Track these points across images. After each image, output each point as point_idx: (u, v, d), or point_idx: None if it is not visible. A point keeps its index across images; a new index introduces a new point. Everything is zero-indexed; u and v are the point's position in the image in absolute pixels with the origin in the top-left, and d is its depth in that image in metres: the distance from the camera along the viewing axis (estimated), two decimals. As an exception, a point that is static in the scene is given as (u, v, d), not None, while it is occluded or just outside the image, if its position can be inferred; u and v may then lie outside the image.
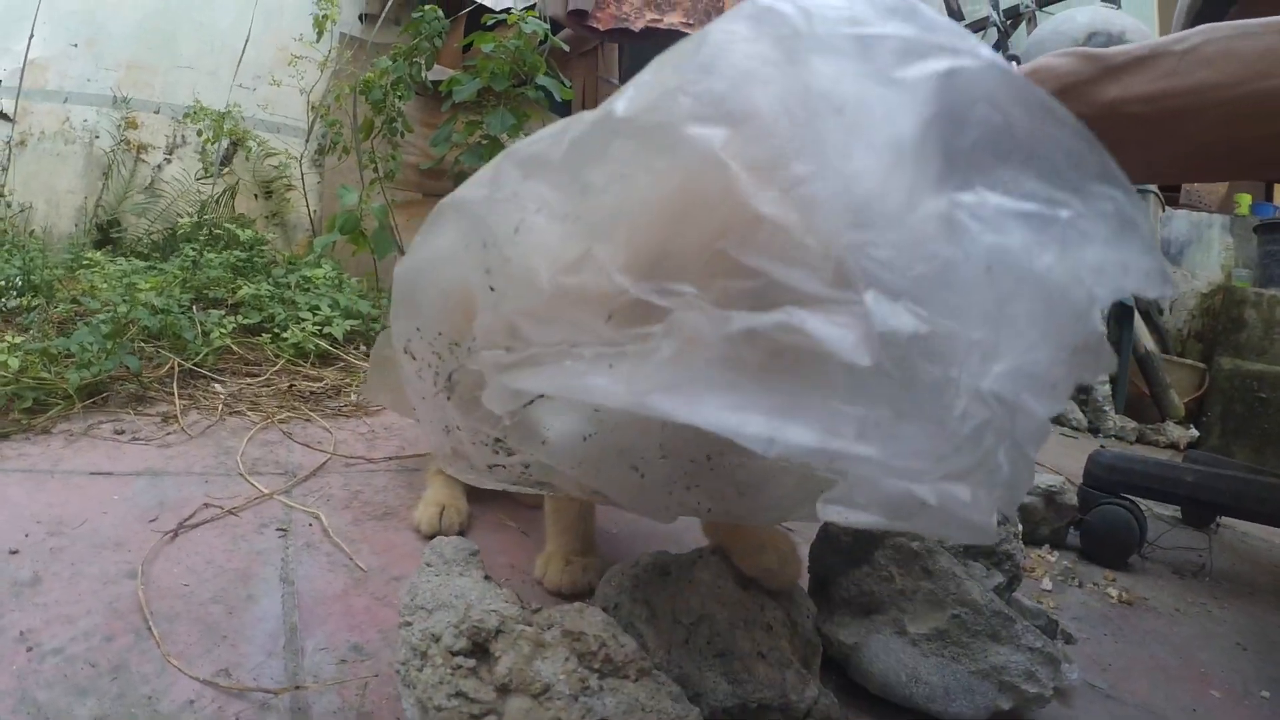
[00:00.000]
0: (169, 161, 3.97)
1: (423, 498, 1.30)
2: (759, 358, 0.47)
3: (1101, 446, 2.89)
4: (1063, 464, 2.26)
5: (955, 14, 4.37)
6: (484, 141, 3.10)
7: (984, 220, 0.48)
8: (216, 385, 1.92)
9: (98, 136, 3.87)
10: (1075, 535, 1.75)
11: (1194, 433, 3.44)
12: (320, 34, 3.50)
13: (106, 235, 3.71)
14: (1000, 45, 4.27)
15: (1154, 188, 4.32)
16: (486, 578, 0.75)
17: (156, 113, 3.96)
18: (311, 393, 1.97)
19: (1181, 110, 0.88)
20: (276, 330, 2.27)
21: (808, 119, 0.48)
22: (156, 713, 0.75)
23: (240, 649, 0.87)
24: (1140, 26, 3.74)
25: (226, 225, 3.41)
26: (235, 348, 2.15)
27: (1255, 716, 1.11)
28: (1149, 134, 0.90)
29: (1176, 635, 1.35)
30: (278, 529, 1.19)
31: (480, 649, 0.67)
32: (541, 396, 0.61)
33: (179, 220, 3.63)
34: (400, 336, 0.80)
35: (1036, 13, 4.06)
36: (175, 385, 1.83)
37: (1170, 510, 2.14)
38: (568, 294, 0.54)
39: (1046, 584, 1.48)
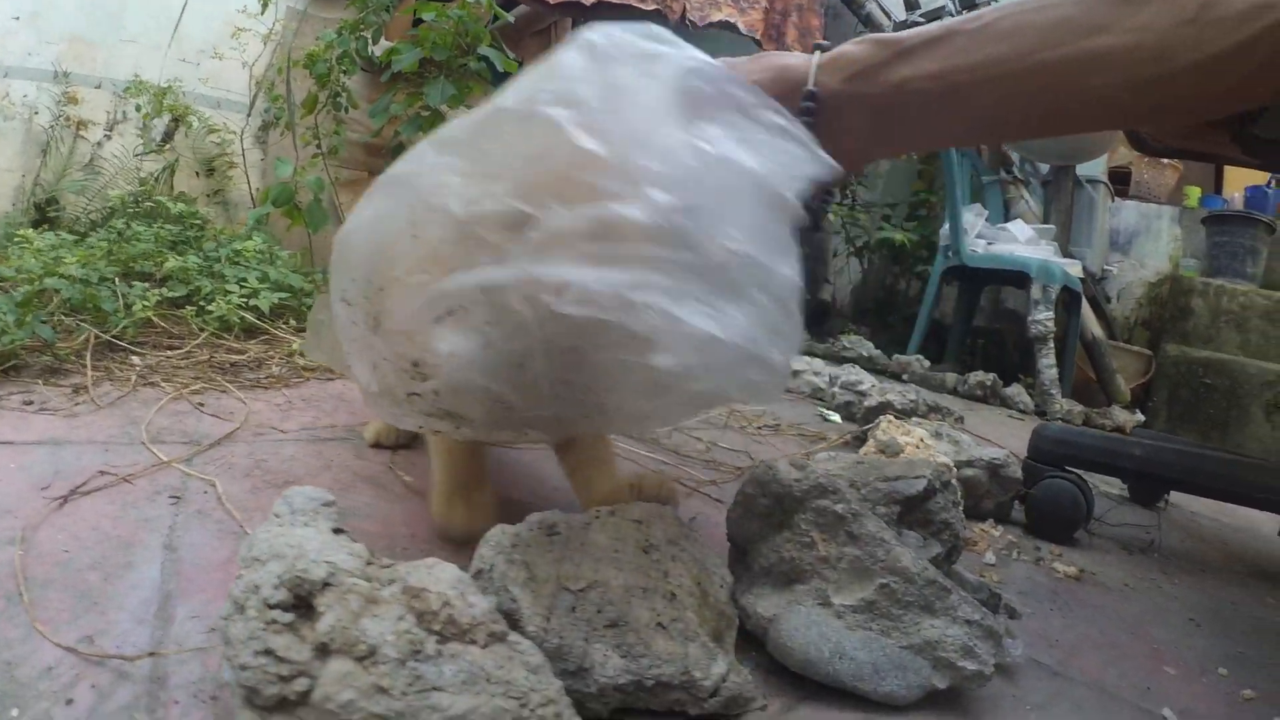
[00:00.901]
0: (109, 138, 3.86)
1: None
2: (595, 236, 0.74)
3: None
4: (1008, 441, 2.25)
5: (911, 3, 4.38)
6: (424, 113, 3.05)
7: (712, 143, 0.81)
8: (134, 358, 1.86)
9: (37, 112, 3.74)
10: (1020, 510, 1.73)
11: (1140, 417, 3.51)
12: (265, 6, 3.42)
13: (44, 214, 3.59)
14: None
15: (1104, 178, 4.39)
16: (337, 530, 0.72)
17: (98, 88, 3.84)
18: (232, 365, 1.92)
19: (970, 84, 0.91)
20: (202, 303, 2.21)
21: (609, 97, 0.79)
22: (12, 679, 0.72)
23: (109, 615, 0.84)
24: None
25: (158, 199, 3.32)
26: (158, 320, 2.09)
27: (1212, 694, 1.09)
28: (937, 108, 0.93)
29: (1127, 611, 1.33)
30: (170, 496, 1.14)
31: (303, 603, 0.62)
32: (448, 314, 0.81)
33: (111, 194, 3.53)
34: (337, 289, 0.96)
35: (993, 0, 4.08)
36: (89, 357, 1.77)
37: (1118, 489, 2.15)
38: (473, 218, 0.78)
39: (990, 558, 1.44)
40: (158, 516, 1.08)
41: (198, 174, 3.97)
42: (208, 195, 3.94)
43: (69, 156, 3.75)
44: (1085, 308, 3.80)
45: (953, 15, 4.27)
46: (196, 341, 2.03)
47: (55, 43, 3.78)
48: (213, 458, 1.32)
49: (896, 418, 1.89)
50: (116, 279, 2.18)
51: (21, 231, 2.81)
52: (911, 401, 2.11)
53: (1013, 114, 0.92)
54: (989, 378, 3.33)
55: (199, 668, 0.77)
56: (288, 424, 1.55)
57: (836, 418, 2.26)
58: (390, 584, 0.65)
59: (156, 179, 3.73)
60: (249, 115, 4.01)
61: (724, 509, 1.13)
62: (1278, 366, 3.62)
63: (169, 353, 1.94)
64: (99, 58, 3.83)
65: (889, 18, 4.48)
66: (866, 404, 2.12)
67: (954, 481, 1.13)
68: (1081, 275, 3.67)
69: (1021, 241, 3.65)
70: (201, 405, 1.60)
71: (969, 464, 1.68)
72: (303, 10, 4.02)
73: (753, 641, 0.95)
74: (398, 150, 3.40)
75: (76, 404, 1.56)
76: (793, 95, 0.91)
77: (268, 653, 0.59)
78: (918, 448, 1.67)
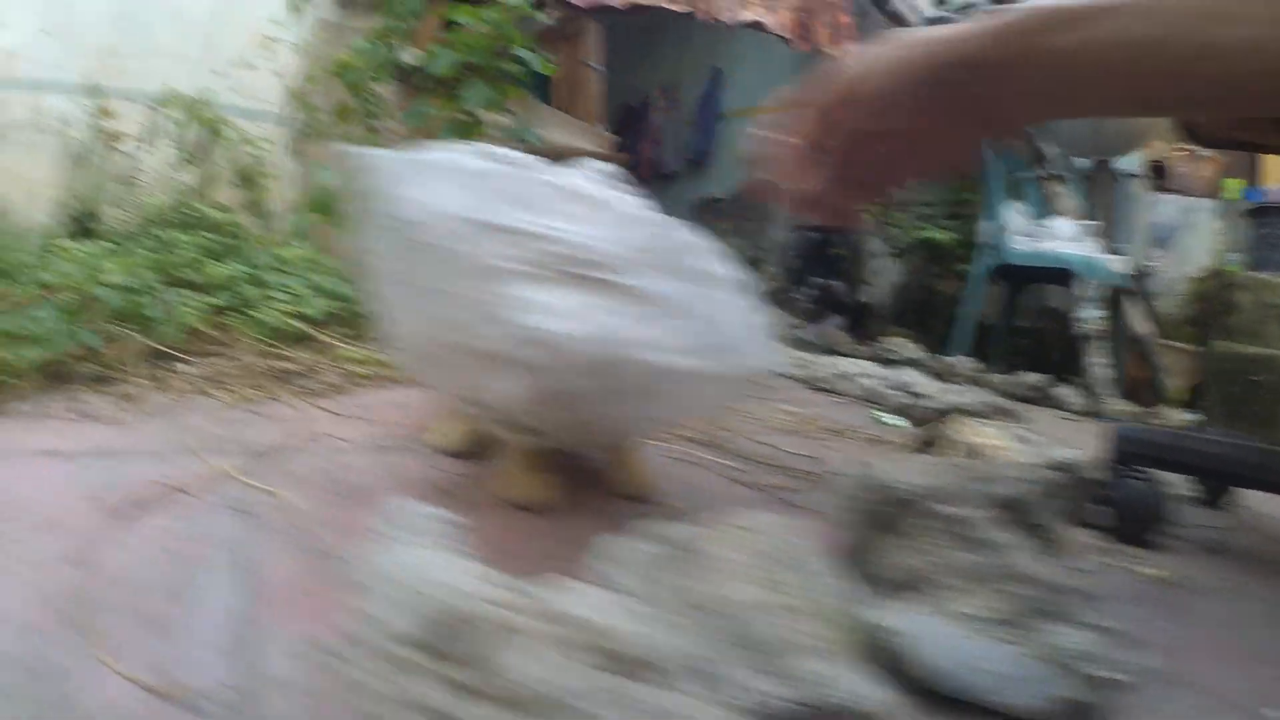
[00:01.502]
0: (145, 151, 3.80)
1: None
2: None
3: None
4: (1070, 443, 2.15)
5: None
6: (462, 116, 2.96)
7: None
8: (183, 365, 1.78)
9: (71, 126, 3.69)
10: (1097, 512, 1.62)
11: (1191, 416, 3.37)
12: (295, 13, 3.34)
13: (82, 226, 3.53)
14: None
15: (1142, 172, 4.25)
16: (461, 553, 0.62)
17: (131, 101, 3.78)
18: (284, 372, 1.83)
19: (1137, 58, 0.81)
20: (248, 311, 2.12)
21: None
22: (73, 714, 0.63)
23: (179, 644, 0.74)
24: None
25: (198, 206, 3.24)
26: (205, 328, 2.00)
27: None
28: (1100, 77, 0.82)
29: (1222, 614, 1.23)
30: (234, 510, 1.05)
31: (443, 638, 0.52)
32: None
33: (147, 203, 3.46)
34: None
35: (1024, -8, 3.95)
36: (137, 365, 1.68)
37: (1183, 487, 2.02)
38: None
39: (1076, 562, 1.34)
40: (223, 532, 0.99)
41: (234, 185, 3.89)
42: (245, 206, 3.86)
43: (104, 169, 3.68)
44: (1132, 305, 3.67)
45: (985, 10, 4.14)
46: (246, 349, 1.94)
47: (85, 56, 3.72)
48: (274, 467, 1.23)
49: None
50: (161, 287, 2.09)
51: (59, 242, 2.74)
52: (980, 403, 2.00)
53: (1172, 91, 0.85)
54: (1040, 379, 3.21)
55: (285, 705, 0.67)
56: (348, 432, 1.45)
57: (893, 420, 2.15)
58: (542, 614, 0.54)
59: (194, 191, 3.66)
60: (283, 125, 3.93)
61: (805, 513, 1.14)
62: None
63: (218, 360, 1.85)
64: (130, 70, 3.77)
65: (917, 13, 4.38)
66: (932, 406, 2.01)
67: (1048, 483, 1.04)
68: (1128, 271, 3.55)
69: (1065, 238, 3.52)
70: (256, 413, 1.51)
71: (1045, 465, 1.58)
72: (334, 23, 3.96)
73: (875, 654, 0.85)
74: None
75: (124, 412, 1.47)
76: (944, 66, 0.85)
77: (406, 699, 0.48)
78: (995, 449, 1.57)
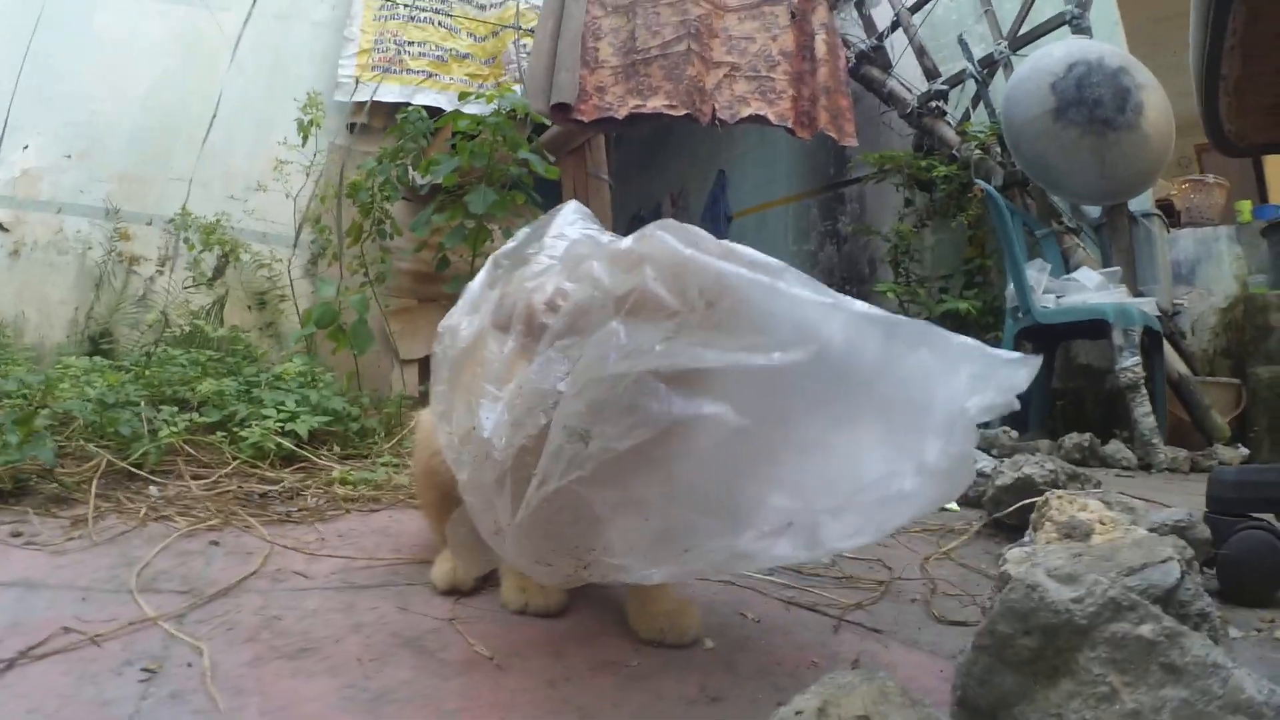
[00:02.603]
0: (161, 273, 3.71)
1: (438, 557, 1.17)
2: None
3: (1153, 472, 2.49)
4: (1160, 502, 1.82)
5: (931, 72, 4.16)
6: (467, 223, 2.82)
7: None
8: (152, 488, 1.57)
9: (90, 247, 3.62)
10: (1208, 574, 1.34)
11: (1244, 451, 3.06)
12: (305, 138, 3.26)
13: (97, 346, 3.41)
14: (980, 95, 4.04)
15: (1157, 211, 4.05)
16: None
17: (149, 224, 3.71)
18: (262, 495, 1.61)
19: None
20: (235, 429, 1.92)
21: None
22: None
23: None
24: (1116, 51, 3.51)
25: (196, 322, 3.10)
26: (187, 447, 1.80)
27: None
28: None
29: None
30: (143, 669, 0.81)
31: None
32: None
33: (154, 322, 3.34)
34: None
35: (1011, 57, 3.84)
36: (95, 485, 1.48)
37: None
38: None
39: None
40: (120, 697, 0.75)
41: (249, 308, 3.77)
42: (260, 328, 3.74)
43: (122, 291, 3.59)
44: (1167, 347, 3.41)
45: (976, 79, 4.08)
46: (226, 470, 1.73)
47: (106, 180, 3.68)
48: (214, 612, 0.99)
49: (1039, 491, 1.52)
50: (143, 403, 1.91)
51: (64, 358, 2.59)
52: (1050, 472, 1.70)
53: None
54: (1085, 438, 2.90)
55: None
56: (316, 567, 1.21)
57: (951, 505, 1.88)
58: None
59: (208, 312, 3.54)
60: (294, 247, 3.83)
61: (888, 641, 0.94)
62: None
63: (194, 482, 1.64)
64: (149, 195, 3.72)
65: (910, 91, 4.28)
66: (998, 483, 1.71)
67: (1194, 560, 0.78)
68: (1157, 313, 3.31)
69: (1091, 289, 3.29)
70: (216, 544, 1.28)
71: (1160, 533, 1.30)
72: (343, 146, 3.90)
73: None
74: (443, 265, 3.23)
75: (71, 538, 1.26)
76: None
77: None
78: (1104, 524, 1.30)
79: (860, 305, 0.87)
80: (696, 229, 0.90)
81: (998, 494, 1.66)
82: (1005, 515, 1.61)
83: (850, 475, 0.88)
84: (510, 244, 1.08)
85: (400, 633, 0.97)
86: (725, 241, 0.90)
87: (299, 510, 1.53)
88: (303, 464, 1.90)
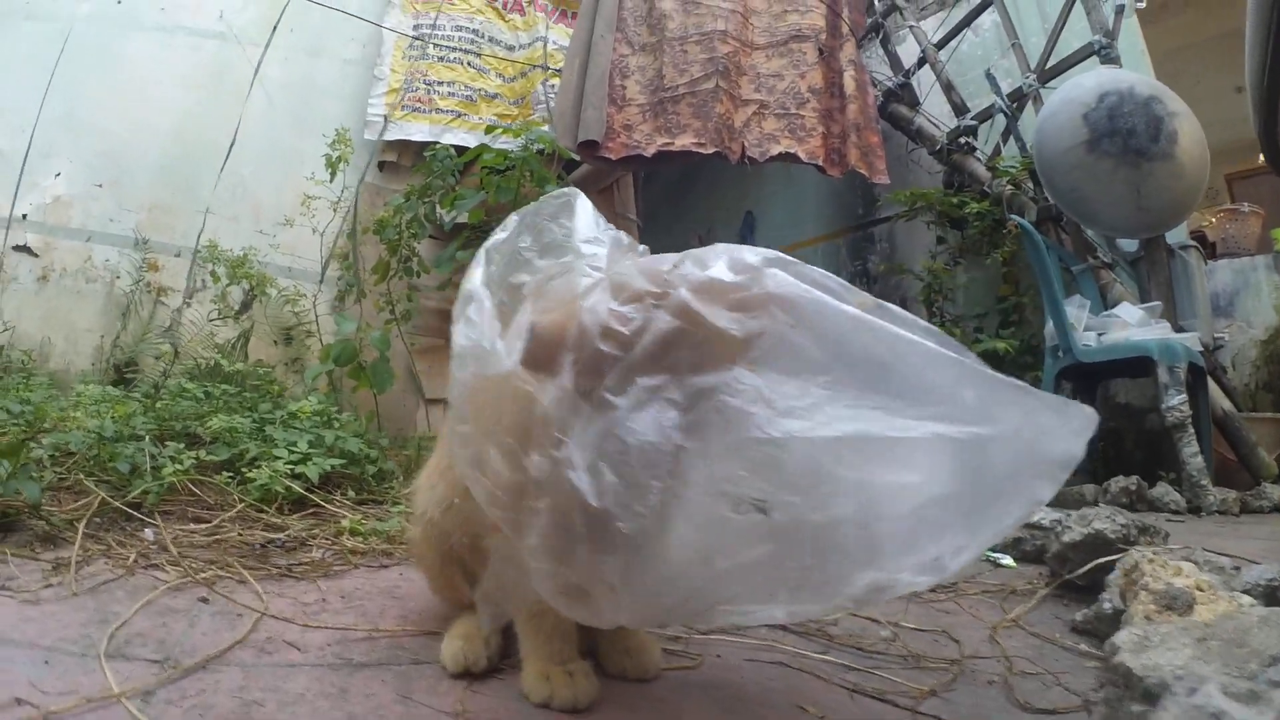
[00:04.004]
0: (188, 304, 3.59)
1: (447, 632, 1.01)
2: None
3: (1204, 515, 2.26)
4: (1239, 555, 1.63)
5: (960, 108, 4.01)
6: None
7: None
8: (148, 530, 1.41)
9: (118, 276, 3.52)
10: None
11: None
12: (333, 174, 3.14)
13: (122, 375, 3.30)
14: (1010, 129, 3.87)
15: (1194, 242, 3.85)
16: None
17: (177, 255, 3.61)
18: (264, 545, 1.44)
19: None
20: (244, 469, 1.77)
21: None
22: None
23: None
24: (1146, 79, 3.34)
25: (210, 355, 2.97)
26: (190, 487, 1.65)
27: None
28: None
29: None
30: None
31: None
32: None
33: (161, 349, 3.22)
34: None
35: (1040, 90, 3.68)
36: (83, 525, 1.32)
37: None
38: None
39: None
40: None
41: (275, 343, 3.65)
42: (285, 363, 3.60)
43: (149, 321, 3.48)
44: (1210, 383, 3.19)
45: (1005, 113, 3.92)
46: (230, 514, 1.57)
47: (135, 210, 3.59)
48: (187, 691, 0.82)
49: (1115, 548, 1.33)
50: (149, 438, 1.75)
51: (79, 386, 2.45)
52: (1122, 527, 1.49)
53: None
54: (1132, 481, 2.68)
55: None
56: (311, 637, 1.03)
57: (1007, 560, 1.68)
58: None
59: (233, 346, 3.41)
60: (321, 282, 3.70)
61: None
62: None
63: (193, 526, 1.48)
64: (177, 226, 3.62)
65: (938, 128, 4.14)
66: (1065, 539, 1.50)
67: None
68: (1200, 348, 3.09)
69: (1134, 325, 3.08)
70: (205, 600, 1.11)
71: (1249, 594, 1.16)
72: (372, 184, 3.79)
73: None
74: None
75: (48, 584, 1.10)
76: None
77: None
78: (1202, 590, 1.12)
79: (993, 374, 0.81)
80: (806, 265, 0.82)
81: (1064, 551, 1.46)
82: (1077, 577, 1.41)
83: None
84: (500, 234, 0.94)
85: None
86: (839, 279, 0.81)
87: (301, 564, 1.36)
88: (312, 509, 1.74)
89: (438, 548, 1.03)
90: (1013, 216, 3.59)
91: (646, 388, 0.76)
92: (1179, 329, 3.23)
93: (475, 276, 0.90)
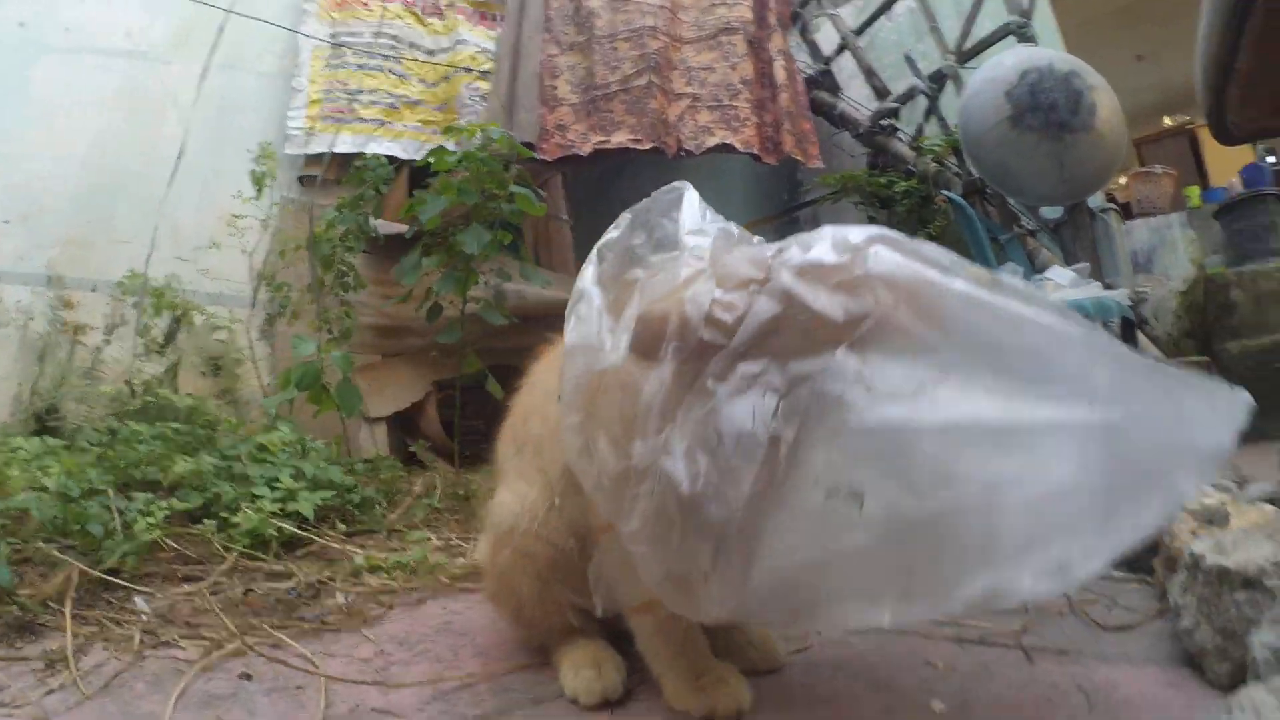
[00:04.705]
0: (108, 342, 3.24)
1: (564, 662, 0.92)
2: None
3: None
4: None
5: (881, 92, 4.01)
6: (456, 268, 2.49)
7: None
8: (139, 599, 1.21)
9: (32, 318, 3.13)
10: None
11: None
12: (260, 190, 2.89)
13: (44, 424, 2.94)
14: (932, 109, 3.89)
15: (1113, 205, 3.97)
16: None
17: (94, 290, 3.24)
18: (279, 600, 1.25)
19: None
20: (225, 515, 1.55)
21: None
22: None
23: None
24: (1063, 55, 3.39)
25: (159, 391, 2.69)
26: (169, 542, 1.43)
27: None
28: None
29: None
30: None
31: None
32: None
33: (106, 394, 2.90)
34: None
35: (959, 70, 3.71)
36: (69, 607, 1.11)
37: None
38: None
39: None
40: None
41: (204, 374, 3.34)
42: (216, 395, 3.30)
43: (67, 362, 3.12)
44: (1140, 335, 3.29)
45: (926, 94, 3.95)
46: (224, 566, 1.36)
47: (48, 246, 3.20)
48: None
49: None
50: (111, 491, 1.52)
51: (10, 439, 2.16)
52: None
53: None
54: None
55: None
56: (400, 699, 0.87)
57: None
58: None
59: (160, 382, 3.09)
60: (253, 306, 3.41)
61: (1085, 661, 0.95)
62: None
63: (187, 587, 1.28)
64: (93, 260, 3.25)
65: (861, 111, 4.14)
66: None
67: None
68: (1127, 303, 3.19)
69: (1066, 286, 3.17)
70: (248, 677, 0.93)
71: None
72: (294, 199, 3.52)
73: None
74: (434, 314, 2.88)
75: (49, 690, 0.90)
76: None
77: None
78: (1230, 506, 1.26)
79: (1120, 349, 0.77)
80: (915, 240, 0.78)
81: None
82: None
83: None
84: (612, 233, 0.91)
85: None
86: (950, 254, 0.77)
87: (331, 613, 1.18)
88: (309, 547, 1.55)
89: (535, 565, 0.92)
90: (942, 191, 3.61)
91: (746, 375, 0.73)
92: (1107, 287, 3.31)
93: (587, 275, 0.87)
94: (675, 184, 0.92)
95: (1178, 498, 0.74)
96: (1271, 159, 4.69)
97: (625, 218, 0.90)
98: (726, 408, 0.72)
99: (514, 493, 0.97)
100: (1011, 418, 0.69)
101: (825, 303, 0.73)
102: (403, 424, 3.24)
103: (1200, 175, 6.05)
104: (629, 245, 0.88)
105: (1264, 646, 0.77)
